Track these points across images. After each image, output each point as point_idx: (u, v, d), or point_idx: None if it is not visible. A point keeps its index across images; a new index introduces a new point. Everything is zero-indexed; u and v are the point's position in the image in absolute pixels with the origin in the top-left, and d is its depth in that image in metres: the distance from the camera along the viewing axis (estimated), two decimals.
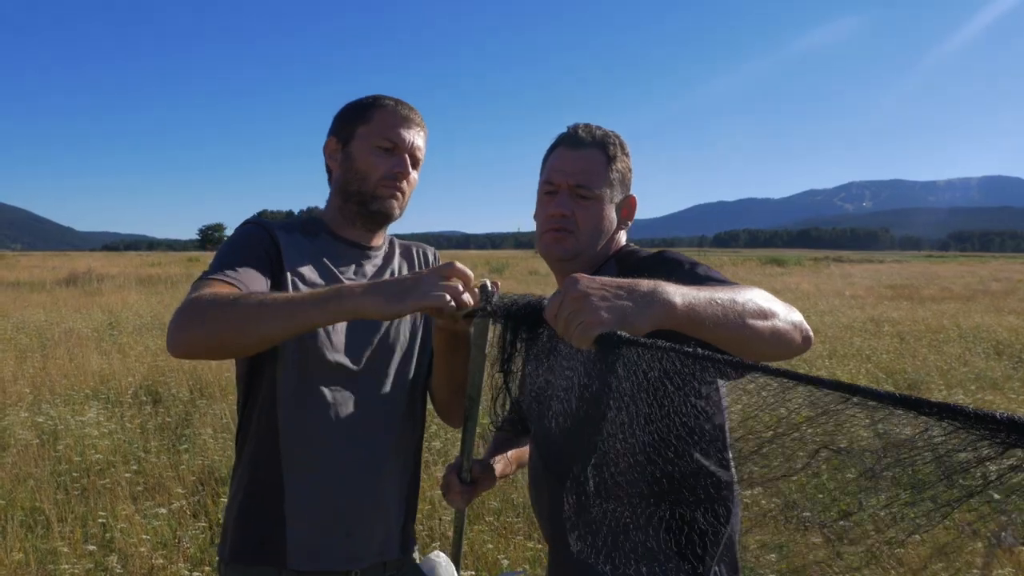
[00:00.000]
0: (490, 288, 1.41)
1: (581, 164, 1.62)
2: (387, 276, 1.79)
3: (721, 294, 1.19)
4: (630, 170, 1.69)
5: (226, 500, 1.81)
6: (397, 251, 1.86)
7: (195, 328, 1.38)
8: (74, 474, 4.86)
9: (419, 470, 1.86)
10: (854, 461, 0.95)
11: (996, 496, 0.73)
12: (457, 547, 1.81)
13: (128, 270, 28.98)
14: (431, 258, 1.92)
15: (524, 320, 1.31)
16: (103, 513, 4.25)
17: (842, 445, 0.98)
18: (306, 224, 1.77)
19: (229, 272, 1.51)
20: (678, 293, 1.14)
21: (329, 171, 1.78)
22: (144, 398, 6.97)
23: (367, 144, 1.70)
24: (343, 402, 1.67)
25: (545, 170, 1.68)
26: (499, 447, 1.88)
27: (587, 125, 1.67)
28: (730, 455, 1.48)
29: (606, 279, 1.14)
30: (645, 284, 1.13)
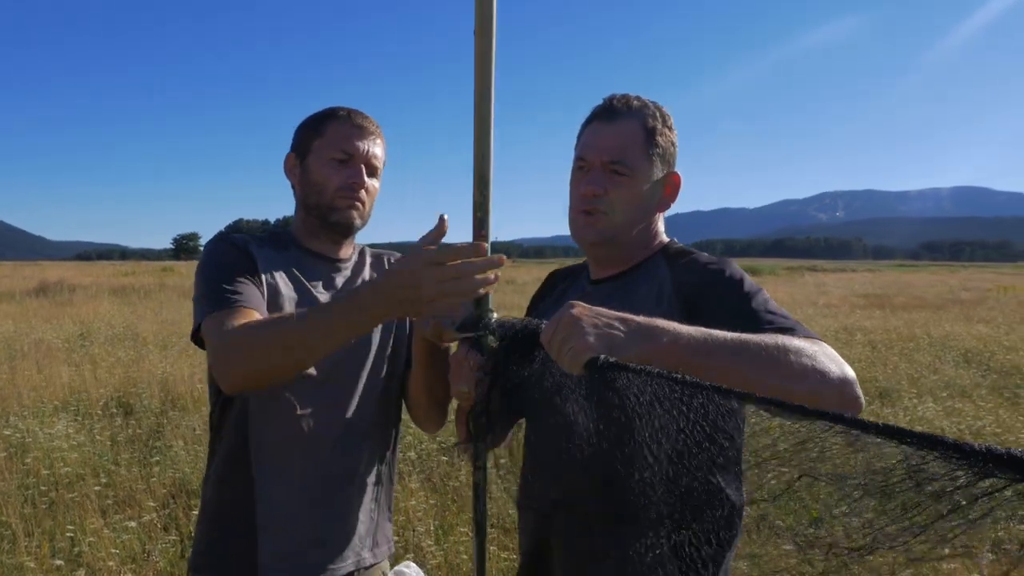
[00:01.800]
0: (490, 308, 1.39)
1: (616, 139, 1.50)
2: (357, 284, 1.79)
3: (734, 342, 1.15)
4: (673, 144, 1.56)
5: (197, 512, 1.80)
6: (368, 261, 1.86)
7: (248, 364, 1.45)
8: (42, 487, 4.78)
9: (393, 477, 1.86)
10: (834, 488, 0.97)
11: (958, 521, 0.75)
12: (482, 512, 1.58)
13: (101, 280, 28.61)
14: None
15: (520, 343, 1.30)
16: (71, 527, 4.18)
17: (823, 472, 0.99)
18: (276, 237, 1.77)
19: (236, 297, 1.54)
20: (667, 334, 1.13)
21: (294, 186, 1.79)
22: (115, 410, 6.87)
23: (322, 156, 1.70)
24: (312, 411, 1.66)
25: (578, 146, 1.57)
26: None
27: (625, 95, 1.56)
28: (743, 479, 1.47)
29: (603, 310, 1.15)
30: (640, 319, 1.14)
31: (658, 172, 1.54)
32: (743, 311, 1.32)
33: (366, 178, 1.72)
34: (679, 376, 0.97)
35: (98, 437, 5.94)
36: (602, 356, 1.07)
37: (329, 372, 1.69)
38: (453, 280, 1.27)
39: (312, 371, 1.67)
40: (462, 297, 1.30)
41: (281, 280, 1.68)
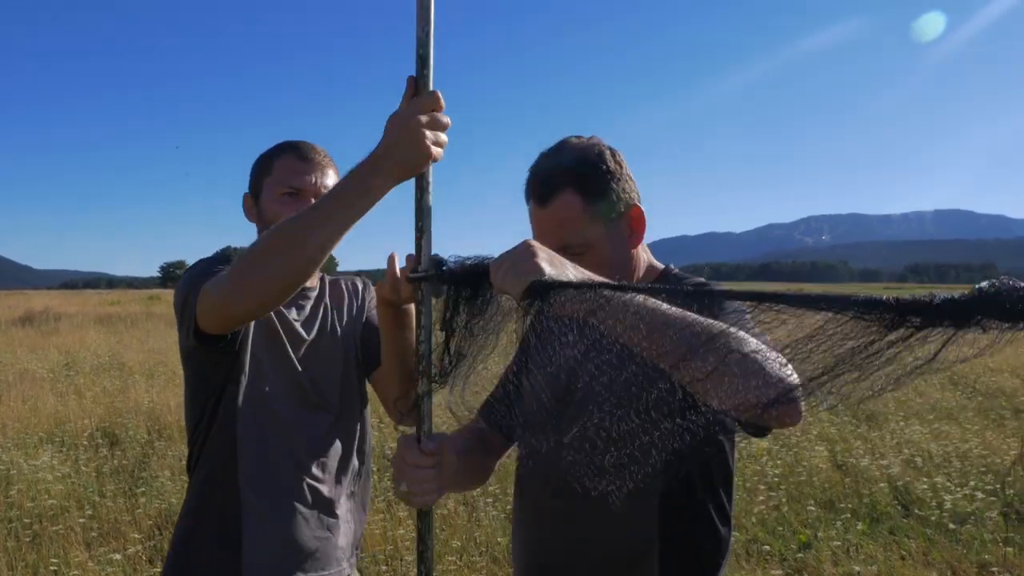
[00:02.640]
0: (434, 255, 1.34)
1: (555, 220, 1.42)
2: (320, 312, 1.84)
3: (680, 315, 1.05)
4: (618, 183, 1.44)
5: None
6: (327, 288, 1.90)
7: (258, 282, 1.37)
8: (26, 520, 4.73)
9: (368, 489, 1.89)
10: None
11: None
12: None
13: (86, 309, 28.41)
14: (359, 287, 1.95)
15: (470, 277, 1.24)
16: (55, 560, 4.13)
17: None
18: None
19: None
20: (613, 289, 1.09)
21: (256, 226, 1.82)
22: (100, 440, 6.81)
23: (272, 194, 1.74)
24: (302, 431, 1.72)
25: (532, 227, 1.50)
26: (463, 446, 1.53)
27: (548, 160, 1.46)
28: (731, 511, 1.46)
29: (558, 255, 1.14)
30: (592, 273, 1.13)
31: (612, 220, 1.45)
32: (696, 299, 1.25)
33: None
34: (620, 283, 0.99)
35: (83, 468, 5.89)
36: (547, 276, 1.06)
37: (316, 391, 1.75)
38: (439, 128, 1.29)
39: (306, 388, 1.73)
40: (443, 144, 1.30)
41: None
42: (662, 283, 1.50)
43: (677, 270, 1.56)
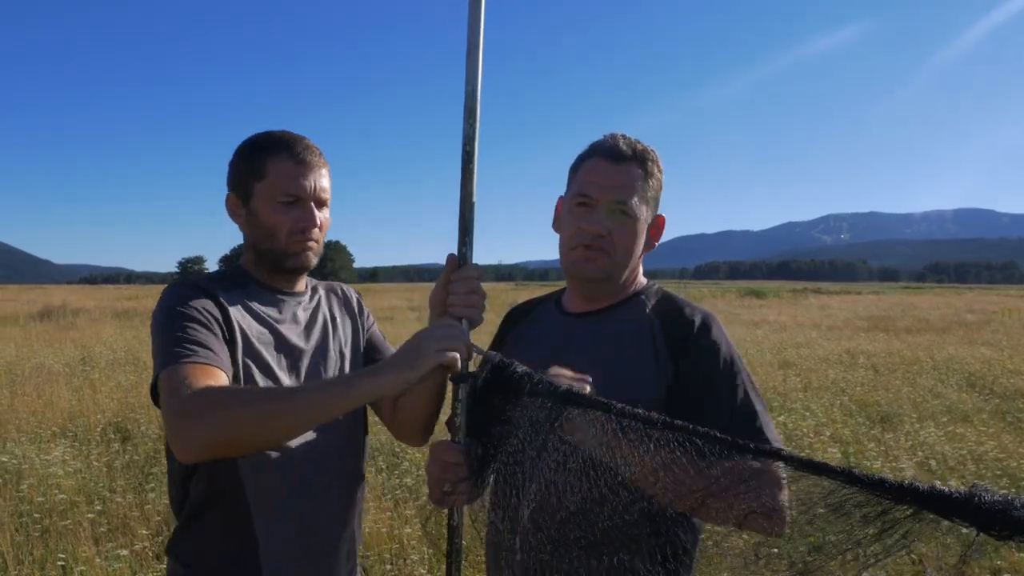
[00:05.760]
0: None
1: (622, 180, 1.54)
2: (319, 317, 1.78)
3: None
4: (662, 188, 1.61)
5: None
6: (321, 291, 1.84)
7: (216, 431, 1.31)
8: (35, 515, 4.76)
9: (363, 494, 1.85)
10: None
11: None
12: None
13: (104, 303, 28.71)
14: (352, 297, 1.90)
15: (498, 389, 1.31)
16: (63, 555, 4.16)
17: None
18: (234, 276, 1.70)
19: (199, 350, 1.44)
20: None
21: (240, 227, 1.72)
22: (113, 435, 6.86)
23: (268, 200, 1.62)
24: (306, 440, 1.64)
25: (578, 180, 1.58)
26: None
27: (625, 137, 1.59)
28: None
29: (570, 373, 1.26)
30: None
31: (650, 215, 1.60)
32: (716, 388, 1.45)
33: (317, 213, 1.65)
34: (633, 412, 1.04)
35: (95, 463, 5.93)
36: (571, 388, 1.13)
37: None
38: (456, 337, 1.38)
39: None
40: (478, 307, 1.44)
41: (251, 323, 1.63)
42: (647, 295, 1.63)
43: (658, 285, 1.69)
